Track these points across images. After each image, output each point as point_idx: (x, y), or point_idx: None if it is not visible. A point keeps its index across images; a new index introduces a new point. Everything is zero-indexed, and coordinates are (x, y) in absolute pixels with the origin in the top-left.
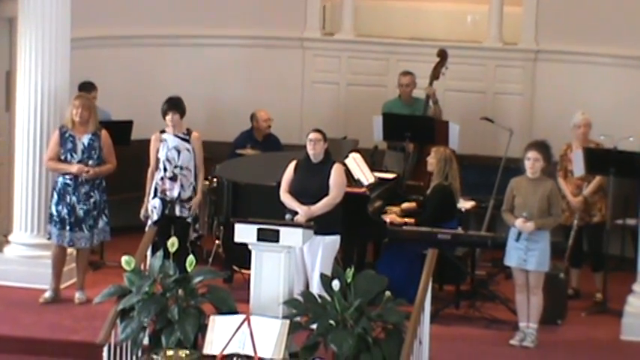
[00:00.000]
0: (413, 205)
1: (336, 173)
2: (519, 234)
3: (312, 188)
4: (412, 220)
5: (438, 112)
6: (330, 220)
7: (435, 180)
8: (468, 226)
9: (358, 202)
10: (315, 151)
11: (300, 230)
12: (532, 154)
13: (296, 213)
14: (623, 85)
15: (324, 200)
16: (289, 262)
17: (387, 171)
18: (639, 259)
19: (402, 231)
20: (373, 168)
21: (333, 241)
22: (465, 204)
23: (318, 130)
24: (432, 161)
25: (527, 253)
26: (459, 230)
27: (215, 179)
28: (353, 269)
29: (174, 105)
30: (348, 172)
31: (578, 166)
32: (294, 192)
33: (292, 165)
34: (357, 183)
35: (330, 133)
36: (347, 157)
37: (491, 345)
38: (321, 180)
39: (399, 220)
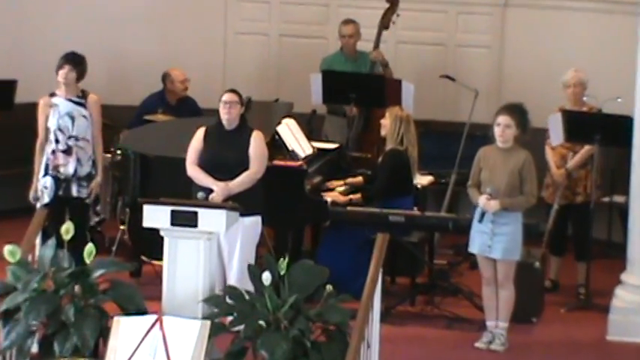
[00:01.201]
0: (359, 179)
1: (256, 143)
2: (483, 214)
3: (228, 161)
4: (358, 196)
5: (389, 76)
6: (250, 199)
7: (388, 144)
8: (425, 205)
9: (293, 178)
10: (230, 115)
11: (223, 212)
12: (503, 119)
13: (210, 191)
14: (607, 35)
15: (244, 175)
16: (210, 251)
17: (327, 140)
18: (629, 244)
19: (347, 212)
20: (311, 137)
21: (254, 223)
22: (421, 179)
23: (233, 91)
24: (385, 122)
25: (492, 239)
26: (415, 211)
27: (119, 151)
28: (287, 259)
29: (72, 60)
30: (281, 143)
31: (555, 133)
32: (205, 165)
33: (200, 133)
34: (292, 155)
35: (258, 94)
36: (279, 123)
37: (454, 348)
38: (238, 151)
39: (342, 198)
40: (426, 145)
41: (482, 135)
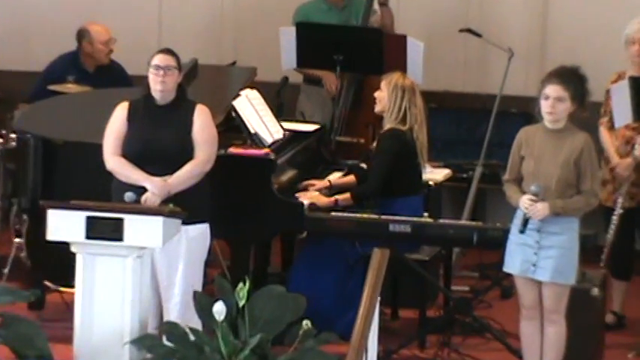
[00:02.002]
0: (349, 179)
1: (202, 122)
2: (526, 221)
3: (163, 148)
4: (346, 197)
5: (387, 21)
6: (197, 201)
7: (386, 123)
8: (440, 210)
9: (256, 172)
10: (164, 86)
11: (159, 220)
12: (553, 90)
13: (143, 190)
14: None
15: (187, 167)
16: (141, 273)
17: (303, 120)
18: None
19: (330, 219)
20: (281, 115)
21: (201, 234)
22: (433, 174)
23: (167, 51)
24: (381, 95)
25: (538, 255)
26: (425, 217)
27: (13, 135)
28: (248, 284)
29: None
30: (239, 123)
31: (620, 109)
32: (131, 155)
33: (121, 110)
34: (254, 140)
35: (207, 57)
36: (237, 96)
37: None
38: (177, 134)
39: (324, 200)
40: (439, 126)
41: (519, 112)
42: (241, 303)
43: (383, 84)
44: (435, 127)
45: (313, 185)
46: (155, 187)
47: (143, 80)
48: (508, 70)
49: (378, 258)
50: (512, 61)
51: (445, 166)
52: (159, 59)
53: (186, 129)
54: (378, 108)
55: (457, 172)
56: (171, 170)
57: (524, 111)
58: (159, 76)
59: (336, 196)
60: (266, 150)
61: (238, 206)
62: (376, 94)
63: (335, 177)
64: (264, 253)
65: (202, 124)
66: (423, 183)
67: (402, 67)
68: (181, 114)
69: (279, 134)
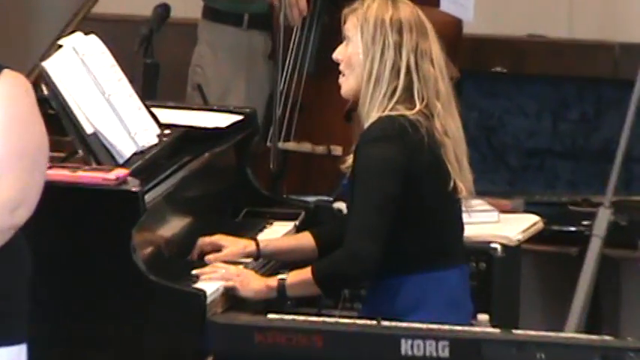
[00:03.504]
0: (303, 238)
1: (7, 113)
2: None
3: None
4: (301, 275)
5: None
6: (4, 295)
7: (366, 111)
8: (513, 304)
9: (101, 222)
10: None
11: None
12: None
13: None
14: None
15: None
16: None
17: (205, 103)
18: None
19: (271, 330)
20: (152, 92)
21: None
22: (496, 224)
23: None
24: (349, 53)
25: None
26: (481, 320)
27: None
28: None
29: None
30: (60, 110)
31: None
32: None
33: None
34: (94, 148)
35: None
36: (54, 50)
37: None
38: None
39: (256, 284)
40: (506, 116)
41: None
42: None
43: (350, 24)
44: (492, 117)
45: (222, 250)
46: None
47: None
48: None
49: None
50: None
51: (528, 209)
52: None
53: None
54: (346, 84)
55: (550, 221)
56: None
57: None
58: None
59: (282, 275)
60: (121, 172)
61: (82, 298)
62: (337, 55)
63: (273, 233)
64: None
65: (7, 120)
66: (459, 236)
67: None
68: None
69: (149, 136)
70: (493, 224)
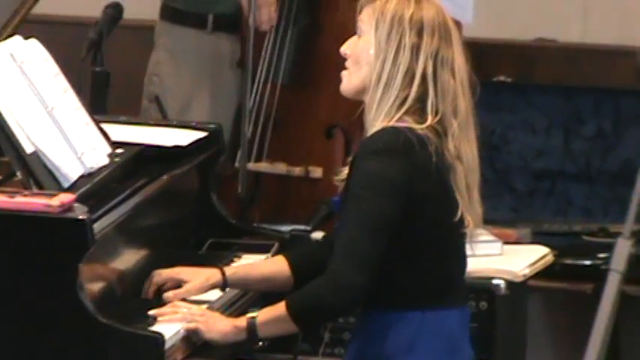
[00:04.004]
0: (278, 267)
1: None
2: None
3: None
4: (275, 311)
5: None
6: None
7: (372, 119)
8: (521, 348)
9: (44, 255)
10: None
11: None
12: None
13: None
14: None
15: None
16: None
17: (164, 117)
18: None
19: None
20: (101, 104)
21: None
22: (499, 257)
23: None
24: (359, 48)
25: None
26: None
27: None
28: None
29: None
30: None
31: None
32: None
33: None
34: (34, 170)
35: None
36: None
37: None
38: None
39: (222, 324)
40: (510, 130)
41: None
42: None
43: (365, 16)
44: (495, 134)
45: (182, 285)
46: None
47: None
48: None
49: None
50: None
51: (536, 240)
52: None
53: None
54: (349, 81)
55: (562, 253)
56: None
57: None
58: None
59: (253, 313)
60: (65, 197)
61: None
62: (346, 49)
63: (242, 264)
64: None
65: None
66: (462, 270)
67: None
68: None
69: (98, 155)
70: (496, 257)
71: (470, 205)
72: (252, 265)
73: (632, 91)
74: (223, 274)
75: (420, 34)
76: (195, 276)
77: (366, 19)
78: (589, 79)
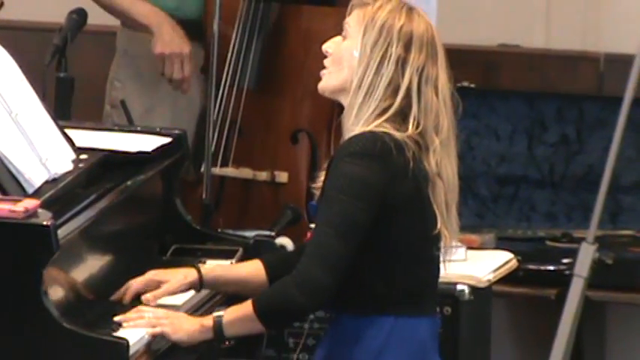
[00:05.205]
0: (249, 270)
1: None
2: None
3: None
4: (241, 311)
5: None
6: None
7: (350, 123)
8: (485, 354)
9: (9, 261)
10: None
11: None
12: None
13: None
14: None
15: None
16: None
17: (130, 123)
18: None
19: None
20: (65, 110)
21: None
22: (463, 264)
23: None
24: (341, 49)
25: None
26: None
27: None
28: None
29: None
30: None
31: None
32: None
33: None
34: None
35: None
36: None
37: None
38: None
39: (190, 325)
40: (475, 137)
41: None
42: None
43: (354, 18)
44: (458, 140)
45: (160, 286)
46: None
47: None
48: None
49: None
50: None
51: (500, 245)
52: None
53: None
54: (328, 80)
55: (526, 258)
56: None
57: None
58: None
59: (219, 312)
60: (30, 203)
61: None
62: (328, 47)
63: (211, 267)
64: None
65: None
66: (434, 281)
67: None
68: None
69: (63, 161)
70: (460, 263)
71: (447, 220)
72: (228, 266)
73: (595, 97)
74: (199, 272)
75: (407, 47)
76: (172, 275)
77: (354, 23)
78: (552, 85)
